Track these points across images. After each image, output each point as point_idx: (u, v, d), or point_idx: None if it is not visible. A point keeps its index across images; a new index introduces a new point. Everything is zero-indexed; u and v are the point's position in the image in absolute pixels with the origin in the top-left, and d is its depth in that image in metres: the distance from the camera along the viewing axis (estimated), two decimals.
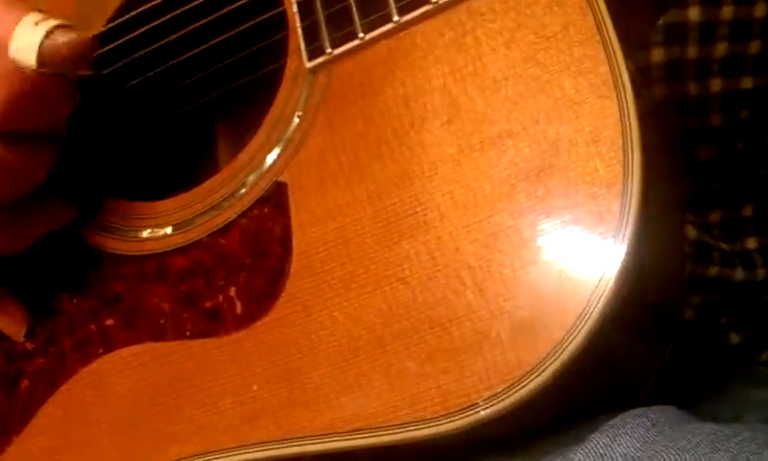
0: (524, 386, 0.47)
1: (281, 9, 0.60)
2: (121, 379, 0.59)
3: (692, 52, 0.61)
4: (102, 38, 0.64)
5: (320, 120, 0.56)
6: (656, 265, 0.52)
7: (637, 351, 0.54)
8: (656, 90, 0.62)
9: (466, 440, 0.49)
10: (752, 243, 0.66)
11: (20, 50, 0.54)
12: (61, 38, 0.56)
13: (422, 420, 0.49)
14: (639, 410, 0.50)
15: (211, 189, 0.59)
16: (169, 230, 0.60)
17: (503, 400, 0.47)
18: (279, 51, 0.60)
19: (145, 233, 0.61)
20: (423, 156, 0.52)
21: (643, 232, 0.47)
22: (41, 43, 0.54)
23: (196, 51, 0.64)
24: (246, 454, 0.53)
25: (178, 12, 0.63)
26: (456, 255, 0.50)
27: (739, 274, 0.66)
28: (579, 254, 0.47)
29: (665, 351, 0.56)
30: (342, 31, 0.56)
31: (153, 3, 0.64)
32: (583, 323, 0.46)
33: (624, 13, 0.51)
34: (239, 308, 0.56)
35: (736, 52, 0.60)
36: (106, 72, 0.65)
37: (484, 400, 0.47)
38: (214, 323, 0.57)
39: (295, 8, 0.57)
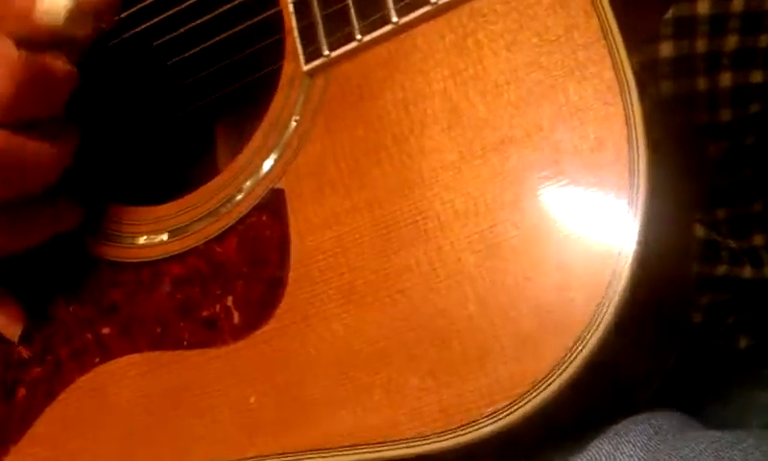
0: (528, 402, 0.45)
1: (277, 9, 0.58)
2: (118, 389, 0.58)
3: (701, 46, 0.59)
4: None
5: (318, 125, 0.55)
6: (663, 272, 0.50)
7: (644, 359, 0.52)
8: (664, 86, 0.60)
9: (467, 454, 0.48)
10: (759, 240, 0.65)
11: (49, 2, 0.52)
12: None
13: (423, 435, 0.48)
14: (642, 416, 0.49)
15: (208, 194, 0.58)
16: (165, 236, 0.59)
17: (506, 416, 0.46)
18: (281, 51, 0.58)
19: (141, 240, 0.60)
20: (424, 162, 0.50)
21: (650, 242, 0.45)
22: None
23: (194, 51, 0.63)
24: None
25: (174, 10, 0.62)
26: (457, 266, 0.48)
27: (747, 272, 0.65)
28: (584, 265, 0.46)
29: (672, 355, 0.55)
30: (340, 32, 0.54)
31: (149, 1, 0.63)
32: (589, 335, 0.45)
33: (630, 7, 0.49)
34: (236, 318, 0.55)
35: (747, 45, 0.59)
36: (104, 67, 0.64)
37: (486, 417, 0.46)
38: (211, 332, 0.56)
39: (291, 8, 0.56)
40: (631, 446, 0.47)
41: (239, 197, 0.57)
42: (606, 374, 0.47)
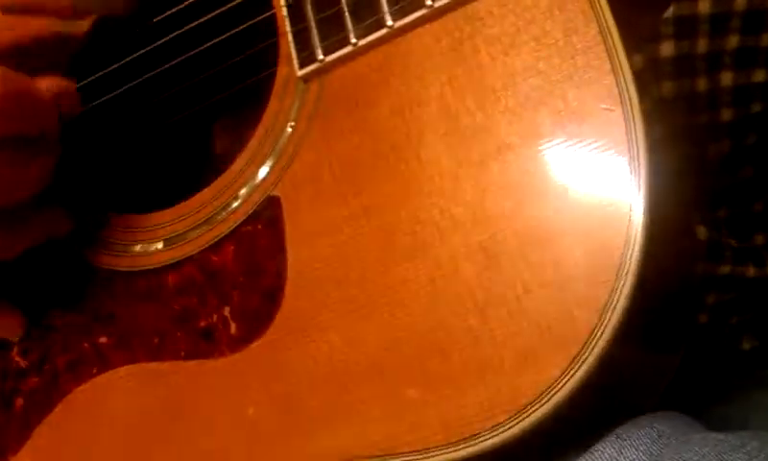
0: (528, 416, 0.45)
1: (271, 12, 0.57)
2: (116, 400, 0.58)
3: (702, 45, 0.58)
4: (91, 44, 0.62)
5: (313, 131, 0.54)
6: (665, 278, 0.49)
7: (647, 368, 0.51)
8: (665, 86, 0.59)
9: None
10: (761, 239, 0.64)
11: None
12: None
13: (423, 449, 0.47)
14: (645, 420, 0.48)
15: (203, 202, 0.57)
16: (160, 245, 0.58)
17: (506, 430, 0.45)
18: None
19: (137, 248, 0.59)
20: (421, 170, 0.50)
21: (651, 249, 0.44)
22: None
23: (189, 55, 0.61)
24: None
25: (167, 14, 0.61)
26: (457, 277, 0.48)
27: (751, 271, 0.64)
28: (585, 277, 0.45)
29: (675, 361, 0.54)
30: (334, 37, 0.53)
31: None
32: (589, 348, 0.44)
33: (629, 8, 0.48)
34: (234, 329, 0.54)
35: (749, 44, 0.58)
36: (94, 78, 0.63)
37: (487, 431, 0.45)
38: (209, 343, 0.55)
39: (285, 11, 0.55)
40: (634, 450, 0.46)
41: (235, 204, 0.56)
42: (607, 386, 0.46)
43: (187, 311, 0.56)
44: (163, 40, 0.61)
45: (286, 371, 0.52)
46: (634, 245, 0.43)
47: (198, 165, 0.67)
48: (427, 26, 0.51)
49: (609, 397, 0.47)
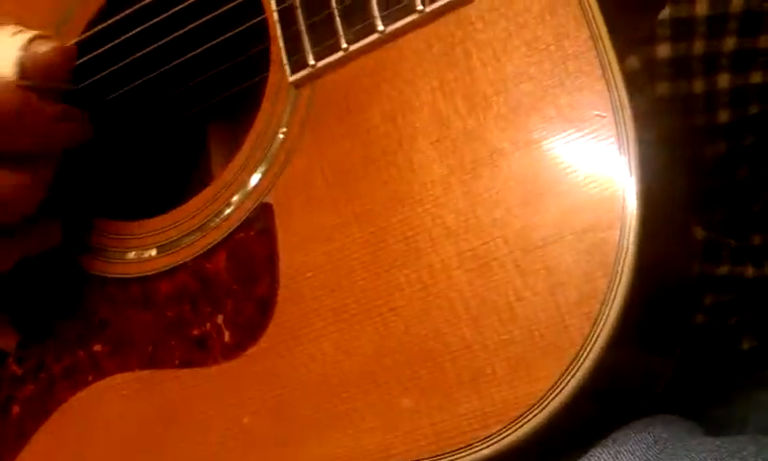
0: (522, 425, 0.44)
1: (262, 17, 0.56)
2: (111, 408, 0.58)
3: (699, 47, 0.57)
4: (82, 46, 0.61)
5: (305, 137, 0.53)
6: (660, 281, 0.49)
7: (641, 372, 0.51)
8: (661, 87, 0.59)
9: None
10: (758, 240, 0.63)
11: None
12: (42, 48, 0.53)
13: (417, 459, 0.47)
14: (642, 424, 0.48)
15: (197, 208, 0.57)
16: (154, 252, 0.58)
17: (500, 439, 0.45)
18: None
19: (130, 255, 0.59)
20: (413, 177, 0.49)
21: (644, 254, 0.44)
22: (20, 54, 0.52)
23: (181, 60, 0.61)
24: None
25: (159, 18, 0.60)
26: (449, 285, 0.47)
27: (750, 271, 0.64)
28: (577, 285, 0.44)
29: (670, 364, 0.53)
30: (325, 42, 0.52)
31: (133, 8, 0.61)
32: (582, 357, 0.43)
33: (623, 10, 0.47)
34: (227, 337, 0.54)
35: (746, 46, 0.57)
36: (86, 83, 0.62)
37: (480, 441, 0.45)
38: (202, 351, 0.55)
39: (276, 16, 0.54)
40: (630, 455, 0.46)
41: (228, 211, 0.56)
42: (602, 391, 0.46)
43: (181, 319, 0.56)
44: (156, 45, 0.60)
45: (279, 379, 0.51)
46: (626, 251, 0.43)
47: (192, 171, 0.67)
48: (419, 31, 0.50)
49: (603, 402, 0.47)
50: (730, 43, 0.57)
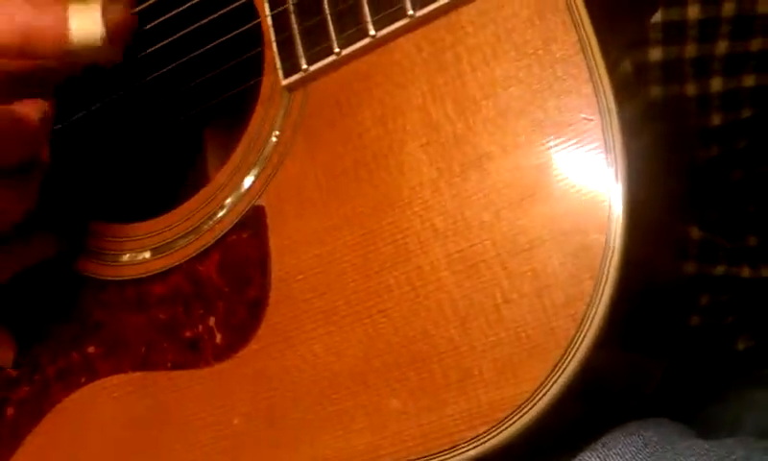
0: (508, 427, 0.44)
1: (257, 21, 0.57)
2: (104, 410, 0.58)
3: (691, 51, 0.58)
4: None
5: (297, 141, 0.54)
6: (649, 284, 0.49)
7: (630, 373, 0.51)
8: (653, 90, 0.59)
9: None
10: (753, 241, 0.63)
11: (82, 28, 0.52)
12: (117, 11, 0.54)
13: (405, 460, 0.47)
14: (632, 427, 0.48)
15: (190, 211, 0.57)
16: (148, 254, 0.58)
17: (485, 441, 0.45)
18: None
19: (125, 258, 0.59)
20: (402, 180, 0.49)
21: (632, 257, 0.44)
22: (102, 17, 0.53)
23: (176, 64, 0.62)
24: None
25: (156, 22, 0.61)
26: (438, 287, 0.47)
27: (746, 271, 0.64)
28: (563, 287, 0.44)
29: (660, 363, 0.53)
30: (318, 46, 0.53)
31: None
32: (568, 358, 0.44)
33: (612, 14, 0.48)
34: (219, 339, 0.54)
35: (738, 50, 0.57)
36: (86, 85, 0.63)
37: (466, 442, 0.45)
38: (194, 353, 0.55)
39: (269, 21, 0.55)
40: (620, 458, 0.46)
41: (221, 214, 0.56)
42: (589, 393, 0.46)
43: (173, 321, 0.56)
44: (151, 49, 0.61)
45: (270, 381, 0.52)
46: (612, 253, 0.43)
47: (187, 174, 0.67)
48: (410, 35, 0.51)
49: (590, 403, 0.47)
50: (722, 47, 0.57)
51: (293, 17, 0.54)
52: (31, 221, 0.56)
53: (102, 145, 0.65)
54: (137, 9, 0.61)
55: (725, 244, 0.63)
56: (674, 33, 0.58)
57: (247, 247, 0.54)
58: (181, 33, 0.60)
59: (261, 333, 0.52)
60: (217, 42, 0.59)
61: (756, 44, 0.58)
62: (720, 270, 0.63)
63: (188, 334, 0.55)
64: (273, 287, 0.53)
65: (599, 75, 0.44)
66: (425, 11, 0.50)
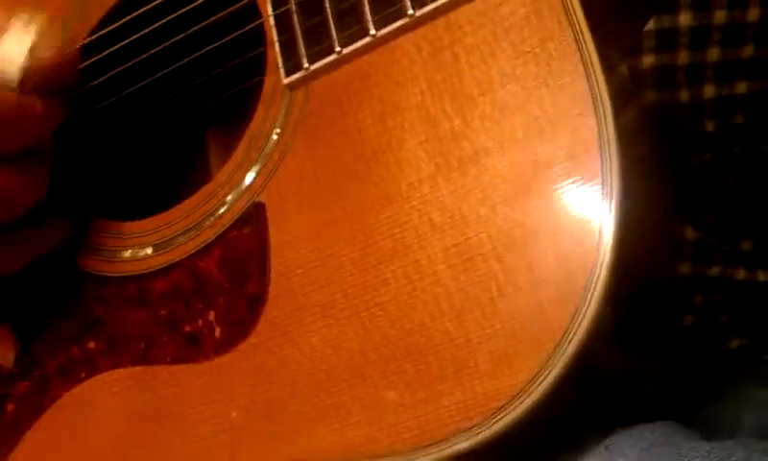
0: (502, 418, 0.45)
1: (259, 22, 0.58)
2: (103, 405, 0.58)
3: (683, 57, 0.59)
4: (87, 49, 0.63)
5: (298, 138, 0.54)
6: (641, 281, 0.50)
7: (623, 370, 0.52)
8: (647, 97, 0.60)
9: None
10: (747, 245, 0.64)
11: (3, 62, 0.53)
12: (46, 54, 0.55)
13: (400, 452, 0.47)
14: (636, 430, 0.48)
15: (192, 208, 0.58)
16: (150, 250, 0.59)
17: (481, 432, 0.45)
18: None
19: (127, 254, 0.60)
20: (401, 175, 0.50)
21: (626, 254, 0.45)
22: (25, 64, 0.54)
23: (180, 64, 0.62)
24: None
25: (162, 22, 0.62)
26: (434, 280, 0.48)
27: (741, 273, 0.64)
28: (558, 279, 0.45)
29: (654, 363, 0.54)
30: (319, 45, 0.54)
31: (137, 13, 0.62)
32: (561, 352, 0.44)
33: (607, 18, 0.49)
34: (218, 333, 0.55)
35: (729, 57, 0.58)
36: (89, 86, 0.64)
37: (463, 432, 0.46)
38: (194, 348, 0.55)
39: (272, 21, 0.56)
40: (623, 459, 0.46)
41: (222, 210, 0.57)
42: (582, 386, 0.47)
43: (174, 316, 0.57)
44: (155, 50, 0.62)
45: (269, 374, 0.52)
46: (605, 249, 0.44)
47: (189, 175, 0.68)
48: (409, 35, 0.52)
49: (586, 396, 0.48)
50: (714, 54, 0.58)
51: (295, 17, 0.55)
52: (43, 208, 0.57)
53: (105, 143, 0.66)
54: (143, 9, 0.62)
55: (720, 246, 0.64)
56: (666, 40, 0.59)
57: (247, 242, 0.55)
58: (185, 34, 0.61)
59: (260, 327, 0.53)
60: (221, 42, 0.60)
61: (747, 51, 0.59)
62: (715, 271, 0.64)
63: (188, 329, 0.56)
64: (272, 282, 0.53)
65: (593, 70, 0.45)
66: (425, 10, 0.51)
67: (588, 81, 0.45)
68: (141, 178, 0.68)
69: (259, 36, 0.58)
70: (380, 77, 0.52)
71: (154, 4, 0.61)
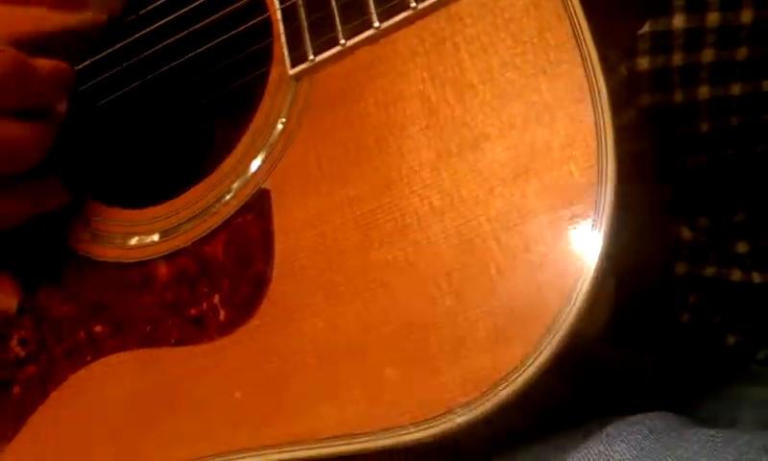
0: (498, 393, 0.46)
1: (266, 15, 0.60)
2: (108, 386, 0.60)
3: (678, 59, 0.60)
4: (100, 45, 0.65)
5: (303, 127, 0.56)
6: (637, 269, 0.51)
7: (616, 353, 0.53)
8: (642, 99, 0.61)
9: (451, 443, 0.49)
10: (743, 247, 0.65)
11: None
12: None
13: (400, 426, 0.49)
14: (636, 417, 0.49)
15: (198, 196, 0.60)
16: (156, 237, 0.60)
17: (478, 406, 0.47)
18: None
19: (133, 241, 0.61)
20: (402, 161, 0.52)
21: (620, 237, 0.46)
22: None
23: (192, 54, 0.64)
24: None
25: (171, 17, 0.64)
26: (434, 261, 0.50)
27: (736, 274, 0.65)
28: (554, 259, 0.47)
29: (650, 351, 0.55)
30: (324, 37, 0.56)
31: (148, 8, 0.64)
32: (556, 329, 0.46)
33: (607, 25, 0.51)
34: (222, 315, 0.56)
35: (723, 59, 0.59)
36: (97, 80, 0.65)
37: (460, 407, 0.47)
38: (198, 330, 0.57)
39: (279, 14, 0.58)
40: (625, 445, 0.47)
41: (227, 197, 0.58)
42: (577, 363, 0.48)
43: (179, 300, 0.58)
44: (164, 43, 0.63)
45: (271, 354, 0.54)
46: (600, 225, 0.45)
47: (197, 163, 0.70)
48: (412, 27, 0.53)
49: (580, 390, 0.49)
50: (708, 55, 0.60)
51: (301, 10, 0.56)
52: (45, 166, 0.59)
53: (114, 132, 0.67)
54: (152, 6, 0.64)
55: (715, 247, 0.65)
56: (661, 42, 0.60)
57: (252, 228, 0.56)
58: (192, 28, 0.63)
59: (263, 309, 0.54)
60: (228, 36, 0.62)
61: (741, 53, 0.60)
62: (710, 272, 0.65)
63: (193, 312, 0.57)
64: (276, 266, 0.55)
65: (590, 58, 0.47)
66: (427, 3, 0.52)
67: (584, 68, 0.47)
68: (148, 168, 0.70)
69: (259, 30, 0.60)
70: (383, 67, 0.54)
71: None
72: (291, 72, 0.57)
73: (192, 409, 0.56)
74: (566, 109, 0.47)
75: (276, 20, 0.58)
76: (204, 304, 0.57)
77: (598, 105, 0.47)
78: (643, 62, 0.61)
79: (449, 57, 0.52)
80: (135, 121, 0.68)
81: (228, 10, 0.62)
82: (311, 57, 0.56)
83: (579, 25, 0.48)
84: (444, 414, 0.48)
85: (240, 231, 0.57)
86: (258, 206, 0.56)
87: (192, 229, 0.59)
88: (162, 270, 0.59)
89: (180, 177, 0.66)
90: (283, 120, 0.57)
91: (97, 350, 0.60)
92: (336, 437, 0.51)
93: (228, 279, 0.56)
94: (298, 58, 0.56)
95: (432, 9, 0.53)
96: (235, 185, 0.58)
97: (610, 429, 0.49)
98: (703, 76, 0.61)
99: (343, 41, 0.55)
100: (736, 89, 0.62)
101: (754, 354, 0.67)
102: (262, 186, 0.57)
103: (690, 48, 0.60)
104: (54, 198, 0.61)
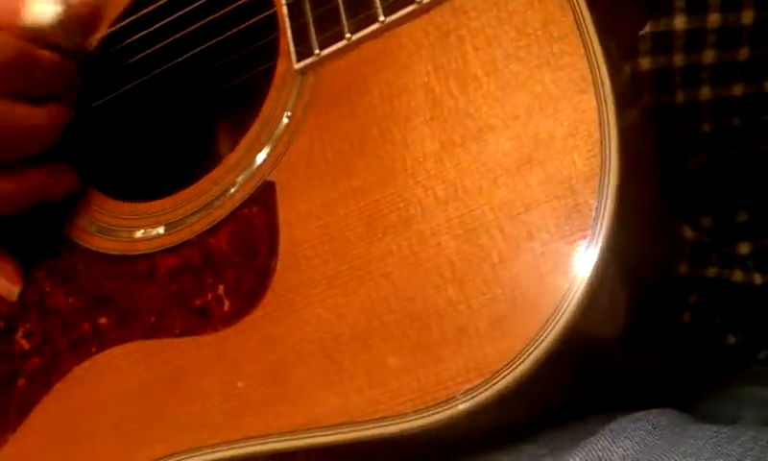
0: (500, 380, 0.47)
1: (272, 10, 0.60)
2: (113, 377, 0.60)
3: (679, 60, 0.60)
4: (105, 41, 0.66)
5: (308, 120, 0.57)
6: (639, 263, 0.52)
7: (618, 349, 0.53)
8: (644, 99, 0.61)
9: (453, 435, 0.50)
10: (744, 248, 0.65)
11: (37, 6, 0.55)
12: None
13: (402, 414, 0.49)
14: (640, 414, 0.50)
15: (203, 188, 0.60)
16: (161, 229, 0.61)
17: (480, 393, 0.47)
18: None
19: (138, 233, 0.62)
20: (407, 153, 0.52)
21: (622, 228, 0.47)
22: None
23: (196, 51, 0.65)
24: (230, 451, 0.54)
25: (177, 14, 0.64)
26: (437, 251, 0.50)
27: (738, 275, 0.66)
28: (556, 249, 0.47)
29: (652, 351, 0.56)
30: (329, 31, 0.56)
31: (154, 6, 0.65)
32: (558, 318, 0.46)
33: (610, 22, 0.51)
34: (227, 306, 0.56)
35: (725, 59, 0.60)
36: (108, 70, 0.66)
37: (462, 394, 0.47)
38: (203, 320, 0.57)
39: (285, 9, 0.58)
40: (628, 441, 0.47)
41: (232, 190, 0.59)
42: (578, 357, 0.48)
43: (183, 291, 0.59)
44: (172, 38, 0.64)
45: (274, 344, 0.54)
46: (603, 215, 0.46)
47: (202, 157, 0.70)
48: (416, 21, 0.54)
49: (585, 383, 0.49)
50: (709, 56, 0.60)
51: (307, 5, 0.57)
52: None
53: (119, 128, 0.68)
54: (160, 2, 0.65)
55: (717, 247, 0.65)
56: (662, 43, 0.61)
57: (257, 219, 0.57)
58: (199, 24, 0.64)
59: (267, 300, 0.55)
60: (235, 31, 0.62)
61: (743, 54, 0.61)
62: (712, 272, 0.65)
63: (198, 303, 0.58)
64: (280, 256, 0.55)
65: (593, 50, 0.48)
66: None
67: (587, 59, 0.48)
68: (153, 164, 0.70)
69: (264, 25, 0.61)
70: (388, 60, 0.55)
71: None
72: (297, 66, 0.57)
73: (195, 399, 0.56)
74: (570, 99, 0.48)
75: (283, 15, 0.58)
76: (209, 295, 0.57)
77: (601, 95, 0.47)
78: (645, 63, 0.61)
79: (454, 49, 0.52)
80: (141, 116, 0.68)
81: (234, 5, 0.63)
82: (317, 51, 0.57)
83: (582, 17, 0.49)
84: (447, 401, 0.48)
85: (245, 223, 0.57)
86: (263, 199, 0.57)
87: (197, 221, 0.59)
88: (167, 262, 0.60)
89: (181, 172, 0.67)
90: (289, 114, 0.57)
91: (102, 341, 0.61)
92: (339, 425, 0.51)
93: (232, 269, 0.57)
94: (303, 52, 0.57)
95: (437, 2, 0.53)
96: (240, 178, 0.58)
97: (614, 425, 0.49)
98: (704, 77, 0.61)
99: (348, 36, 0.56)
100: (738, 90, 0.62)
101: (754, 354, 0.67)
102: (267, 179, 0.57)
103: (691, 49, 0.60)
104: (62, 184, 0.62)
